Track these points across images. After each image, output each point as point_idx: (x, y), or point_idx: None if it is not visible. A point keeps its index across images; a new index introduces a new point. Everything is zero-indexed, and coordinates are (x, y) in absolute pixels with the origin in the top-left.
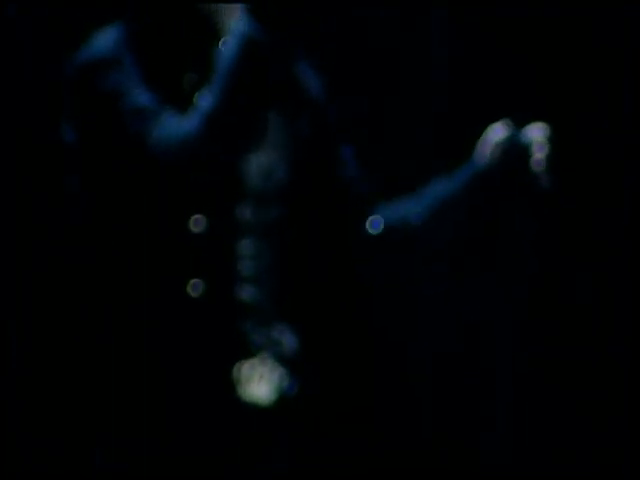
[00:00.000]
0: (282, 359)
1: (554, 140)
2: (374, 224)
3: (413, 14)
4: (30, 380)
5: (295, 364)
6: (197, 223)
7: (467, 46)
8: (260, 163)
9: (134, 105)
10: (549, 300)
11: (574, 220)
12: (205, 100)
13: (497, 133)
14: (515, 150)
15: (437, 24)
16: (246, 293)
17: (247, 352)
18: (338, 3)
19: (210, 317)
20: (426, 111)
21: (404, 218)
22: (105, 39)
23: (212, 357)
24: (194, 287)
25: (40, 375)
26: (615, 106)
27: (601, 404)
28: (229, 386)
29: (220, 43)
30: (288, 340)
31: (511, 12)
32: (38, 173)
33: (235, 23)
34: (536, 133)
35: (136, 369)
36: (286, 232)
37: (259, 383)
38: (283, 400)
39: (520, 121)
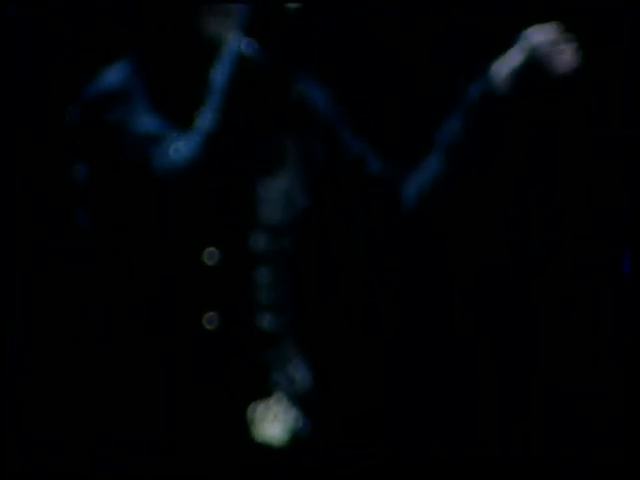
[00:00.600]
0: (296, 399)
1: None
2: None
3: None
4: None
5: (309, 404)
6: (211, 256)
7: (469, 52)
8: (276, 190)
9: (140, 132)
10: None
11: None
12: (203, 119)
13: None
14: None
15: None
16: (263, 323)
17: (262, 389)
18: (336, 13)
19: (226, 350)
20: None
21: (433, 179)
22: (114, 74)
23: (227, 392)
24: (209, 320)
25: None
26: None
27: (601, 403)
28: (243, 424)
29: (216, 61)
30: (302, 378)
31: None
32: (48, 204)
33: (231, 41)
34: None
35: (151, 402)
36: (302, 259)
37: (273, 423)
38: (296, 440)
39: None
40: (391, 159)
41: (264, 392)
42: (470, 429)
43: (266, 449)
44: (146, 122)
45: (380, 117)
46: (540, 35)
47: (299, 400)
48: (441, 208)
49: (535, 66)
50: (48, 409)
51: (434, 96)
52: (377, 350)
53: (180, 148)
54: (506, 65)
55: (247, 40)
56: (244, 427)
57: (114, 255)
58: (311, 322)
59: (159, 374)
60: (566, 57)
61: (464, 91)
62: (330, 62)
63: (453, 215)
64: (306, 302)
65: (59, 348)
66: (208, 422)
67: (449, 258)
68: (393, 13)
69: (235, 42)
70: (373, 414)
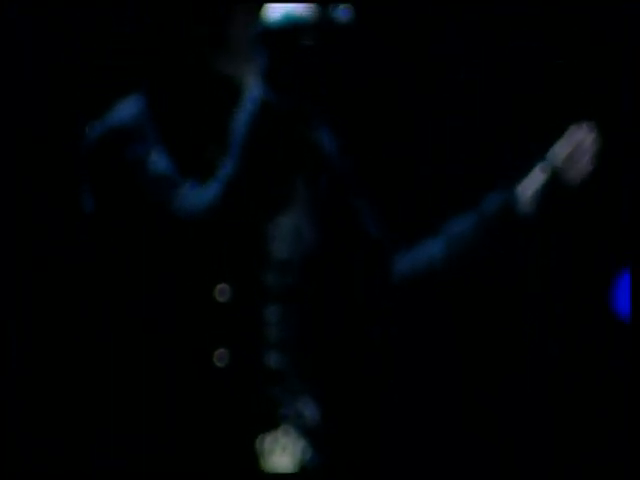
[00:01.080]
0: (304, 431)
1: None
2: None
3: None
4: None
5: (316, 437)
6: (222, 292)
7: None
8: (284, 228)
9: (155, 174)
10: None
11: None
12: (224, 168)
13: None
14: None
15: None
16: (272, 360)
17: (271, 422)
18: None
19: (235, 386)
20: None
21: (429, 261)
22: (127, 108)
23: (236, 427)
24: (220, 357)
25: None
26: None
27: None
28: (252, 456)
29: (236, 109)
30: (311, 412)
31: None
32: (58, 241)
33: (250, 89)
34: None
35: (161, 436)
36: (311, 297)
37: (281, 455)
38: (304, 472)
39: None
40: (390, 221)
41: (272, 425)
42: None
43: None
44: (161, 163)
45: (390, 178)
46: (562, 154)
47: (307, 433)
48: (432, 291)
49: (558, 186)
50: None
51: (446, 174)
52: (378, 388)
53: (201, 194)
54: (530, 185)
55: (266, 87)
56: (253, 459)
57: (125, 289)
58: (318, 359)
59: (170, 408)
60: (584, 165)
61: (481, 196)
62: (343, 111)
63: (442, 297)
64: (313, 340)
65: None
66: (218, 455)
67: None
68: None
69: (254, 89)
70: (377, 448)
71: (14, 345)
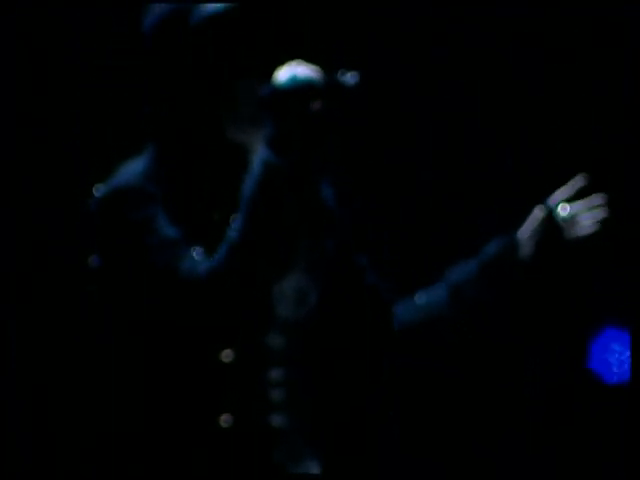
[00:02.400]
0: None
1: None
2: None
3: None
4: None
5: None
6: (227, 354)
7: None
8: (288, 289)
9: (161, 238)
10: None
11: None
12: (232, 231)
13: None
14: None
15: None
16: (276, 421)
17: None
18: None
19: (240, 447)
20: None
21: (431, 308)
22: (132, 169)
23: None
24: (225, 420)
25: None
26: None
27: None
28: None
29: (244, 173)
30: (315, 472)
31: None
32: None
33: (257, 153)
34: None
35: None
36: (315, 358)
37: None
38: None
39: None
40: (392, 270)
41: None
42: None
43: None
44: (167, 227)
45: (389, 233)
46: (563, 201)
47: None
48: (435, 337)
49: (556, 233)
50: None
51: (447, 224)
52: (383, 447)
53: (206, 258)
54: (528, 229)
55: (271, 150)
56: None
57: (129, 349)
58: (322, 420)
59: (175, 468)
60: (586, 226)
61: (483, 241)
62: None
63: (444, 344)
64: (317, 400)
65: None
66: None
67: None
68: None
69: (261, 153)
70: None
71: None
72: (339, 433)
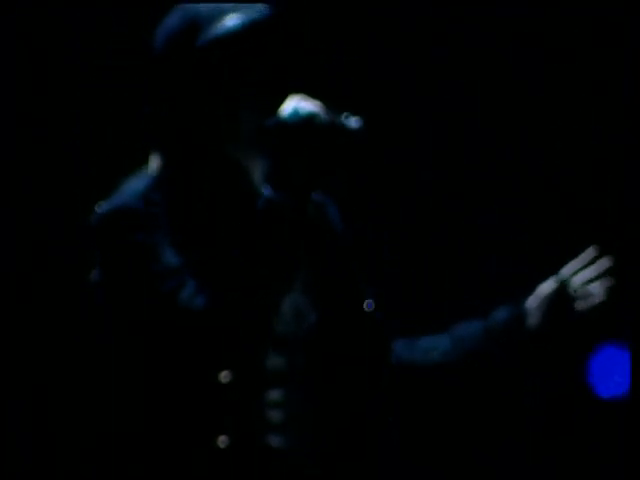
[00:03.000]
0: None
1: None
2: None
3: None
4: None
5: None
6: (225, 375)
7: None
8: (290, 308)
9: (162, 266)
10: None
11: None
12: (231, 265)
13: (546, 287)
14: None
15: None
16: (274, 441)
17: None
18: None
19: (237, 467)
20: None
21: (428, 353)
22: (134, 187)
23: None
24: (222, 440)
25: None
26: None
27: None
28: None
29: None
30: None
31: None
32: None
33: (261, 188)
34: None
35: None
36: (312, 377)
37: None
38: None
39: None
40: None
41: None
42: None
43: None
44: (169, 251)
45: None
46: (575, 272)
47: None
48: (428, 380)
49: (566, 306)
50: None
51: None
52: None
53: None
54: (538, 297)
55: (270, 184)
56: None
57: (127, 365)
58: (319, 439)
59: None
60: (596, 297)
61: (493, 304)
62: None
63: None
64: (314, 419)
65: None
66: None
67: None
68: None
69: (264, 192)
70: None
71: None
72: (338, 454)
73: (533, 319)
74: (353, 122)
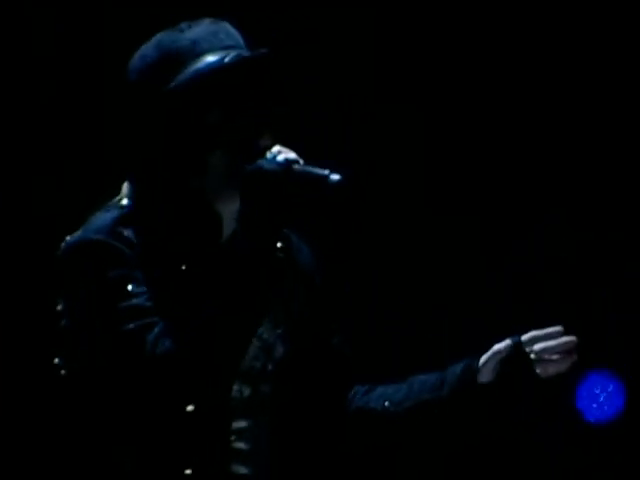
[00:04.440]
0: None
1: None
2: None
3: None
4: None
5: None
6: (190, 406)
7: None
8: (258, 341)
9: (129, 304)
10: None
11: None
12: (196, 313)
13: (501, 347)
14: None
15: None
16: (240, 470)
17: None
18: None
19: None
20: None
21: (383, 401)
22: (102, 220)
23: None
24: (187, 469)
25: None
26: None
27: None
28: None
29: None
30: None
31: None
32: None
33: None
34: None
35: None
36: (281, 408)
37: None
38: None
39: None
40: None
41: None
42: None
43: None
44: (135, 290)
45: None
46: (535, 338)
47: None
48: (382, 428)
49: (521, 367)
50: None
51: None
52: None
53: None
54: (492, 353)
55: (241, 227)
56: None
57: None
58: (286, 469)
59: None
60: (559, 364)
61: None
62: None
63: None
64: (281, 450)
65: None
66: None
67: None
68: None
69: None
70: None
71: None
72: None
73: (484, 376)
74: (334, 177)
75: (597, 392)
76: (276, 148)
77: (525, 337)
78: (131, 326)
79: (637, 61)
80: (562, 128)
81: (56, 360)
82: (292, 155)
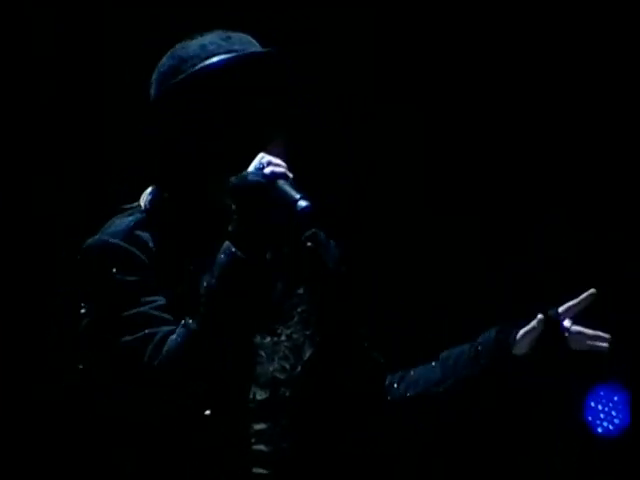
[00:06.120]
0: None
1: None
2: None
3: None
4: None
5: None
6: (209, 410)
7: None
8: (283, 342)
9: (139, 313)
10: None
11: None
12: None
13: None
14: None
15: None
16: (260, 472)
17: None
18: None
19: None
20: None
21: (421, 385)
22: (121, 224)
23: None
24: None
25: None
26: None
27: None
28: None
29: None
30: None
31: None
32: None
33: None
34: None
35: None
36: (303, 410)
37: None
38: None
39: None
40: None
41: None
42: None
43: None
44: (148, 300)
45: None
46: (570, 309)
47: None
48: (424, 410)
49: (556, 342)
50: None
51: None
52: None
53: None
54: (529, 330)
55: (233, 243)
56: None
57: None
58: (308, 473)
59: None
60: (588, 343)
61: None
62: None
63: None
64: (303, 452)
65: None
66: None
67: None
68: None
69: (225, 246)
70: None
71: None
72: None
73: (521, 349)
74: (302, 203)
75: (604, 405)
76: (267, 158)
77: (562, 308)
78: (135, 336)
79: (637, 61)
80: (562, 128)
81: (80, 365)
82: (280, 169)
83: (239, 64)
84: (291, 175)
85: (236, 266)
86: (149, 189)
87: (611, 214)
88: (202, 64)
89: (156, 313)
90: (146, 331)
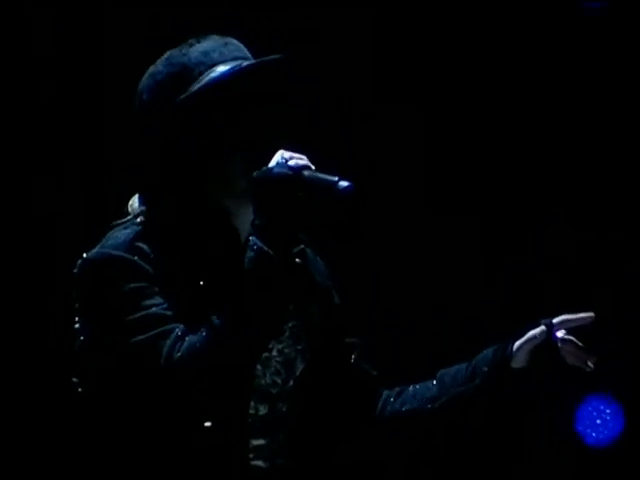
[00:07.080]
0: None
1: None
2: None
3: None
4: None
5: None
6: (208, 422)
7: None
8: (279, 357)
9: (150, 314)
10: None
11: None
12: (216, 318)
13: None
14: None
15: None
16: None
17: None
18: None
19: None
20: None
21: (421, 399)
22: (120, 236)
23: None
24: None
25: None
26: None
27: None
28: None
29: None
30: None
31: None
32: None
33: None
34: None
35: None
36: (299, 425)
37: None
38: None
39: None
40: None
41: None
42: None
43: None
44: (152, 299)
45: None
46: (565, 322)
47: None
48: (419, 428)
49: (551, 354)
50: None
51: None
52: None
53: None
54: (526, 343)
55: (256, 233)
56: None
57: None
58: None
59: None
60: (582, 357)
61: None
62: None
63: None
64: (300, 467)
65: None
66: None
67: None
68: None
69: (252, 241)
70: None
71: None
72: None
73: (518, 362)
74: (343, 183)
75: (596, 415)
76: (288, 154)
77: (556, 320)
78: (148, 334)
79: (636, 62)
80: (562, 129)
81: (74, 379)
82: (303, 161)
83: (248, 73)
84: (313, 167)
85: (264, 261)
86: (134, 199)
87: (611, 214)
88: (212, 74)
89: (168, 313)
90: (160, 329)
